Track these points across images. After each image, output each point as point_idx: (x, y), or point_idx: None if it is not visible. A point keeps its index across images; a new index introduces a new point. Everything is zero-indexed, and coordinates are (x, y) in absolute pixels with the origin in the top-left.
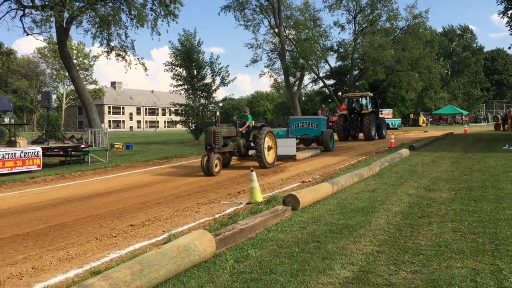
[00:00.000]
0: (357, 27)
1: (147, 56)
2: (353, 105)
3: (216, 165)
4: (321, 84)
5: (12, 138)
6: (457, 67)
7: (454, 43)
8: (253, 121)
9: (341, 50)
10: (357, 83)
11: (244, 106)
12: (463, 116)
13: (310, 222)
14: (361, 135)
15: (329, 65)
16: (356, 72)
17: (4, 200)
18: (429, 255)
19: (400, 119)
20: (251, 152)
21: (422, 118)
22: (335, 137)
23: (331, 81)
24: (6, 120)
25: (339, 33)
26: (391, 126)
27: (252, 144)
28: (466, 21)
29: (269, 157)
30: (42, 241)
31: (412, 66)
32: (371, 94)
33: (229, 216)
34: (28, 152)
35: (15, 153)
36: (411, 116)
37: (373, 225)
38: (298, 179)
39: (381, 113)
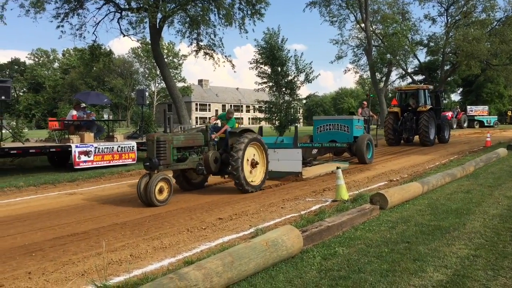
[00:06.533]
0: (449, 20)
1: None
2: (407, 100)
3: (160, 190)
4: (409, 80)
5: (110, 134)
6: None
7: None
8: (237, 125)
9: (432, 44)
10: (448, 78)
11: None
12: None
13: (399, 222)
14: (416, 138)
15: (418, 60)
16: (447, 67)
17: (103, 191)
18: None
19: (496, 116)
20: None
21: None
22: (383, 141)
23: (420, 77)
24: (105, 116)
25: (429, 26)
26: (486, 124)
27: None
28: None
29: (255, 176)
30: (138, 230)
31: (511, 60)
32: (431, 87)
33: (315, 213)
34: (125, 147)
35: (112, 147)
36: (509, 113)
37: (468, 227)
38: (384, 177)
39: (446, 110)
